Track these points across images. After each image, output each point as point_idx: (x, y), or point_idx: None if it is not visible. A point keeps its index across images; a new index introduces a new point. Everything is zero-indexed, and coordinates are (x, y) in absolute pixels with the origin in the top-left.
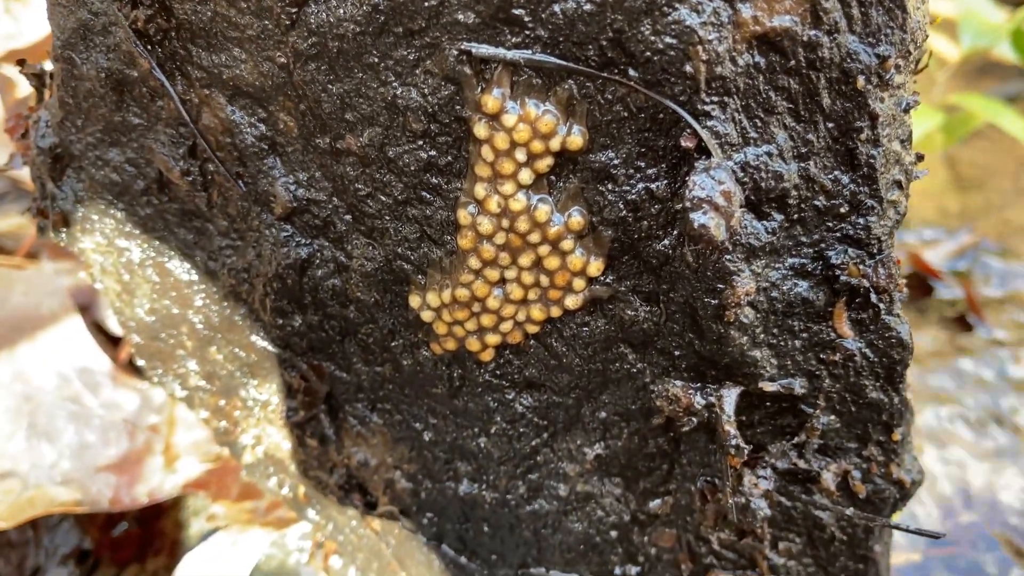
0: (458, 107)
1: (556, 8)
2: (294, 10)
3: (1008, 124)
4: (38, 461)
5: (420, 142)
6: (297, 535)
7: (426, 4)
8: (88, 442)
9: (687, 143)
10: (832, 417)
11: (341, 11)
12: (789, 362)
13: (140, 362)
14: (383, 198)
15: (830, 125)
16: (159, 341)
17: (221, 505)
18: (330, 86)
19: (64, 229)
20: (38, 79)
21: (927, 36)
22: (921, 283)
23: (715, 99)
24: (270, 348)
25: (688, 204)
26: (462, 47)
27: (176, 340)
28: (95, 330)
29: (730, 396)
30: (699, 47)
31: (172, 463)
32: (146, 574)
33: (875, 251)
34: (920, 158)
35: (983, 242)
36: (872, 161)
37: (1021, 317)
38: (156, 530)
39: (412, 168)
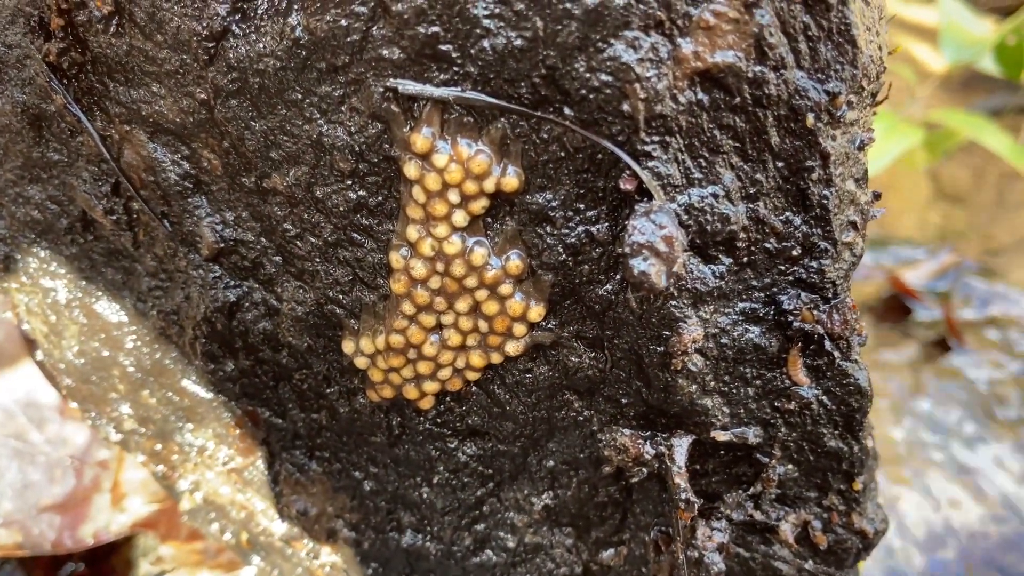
0: (387, 146)
1: (486, 44)
2: (212, 44)
3: (990, 140)
4: None
5: (348, 182)
6: None
7: (348, 39)
8: (32, 480)
9: (627, 185)
10: (790, 466)
11: (261, 45)
12: (742, 410)
13: (73, 404)
14: (312, 239)
15: (780, 164)
16: (90, 384)
17: (169, 546)
18: (253, 123)
19: None
20: None
21: (883, 69)
22: (900, 304)
23: (656, 138)
24: (203, 393)
25: (627, 250)
26: (388, 84)
27: (108, 383)
28: (42, 367)
29: (681, 446)
30: (636, 84)
31: (120, 502)
32: None
33: (830, 295)
34: (877, 197)
35: (965, 262)
36: (825, 202)
37: (1001, 339)
38: (105, 570)
39: (341, 209)
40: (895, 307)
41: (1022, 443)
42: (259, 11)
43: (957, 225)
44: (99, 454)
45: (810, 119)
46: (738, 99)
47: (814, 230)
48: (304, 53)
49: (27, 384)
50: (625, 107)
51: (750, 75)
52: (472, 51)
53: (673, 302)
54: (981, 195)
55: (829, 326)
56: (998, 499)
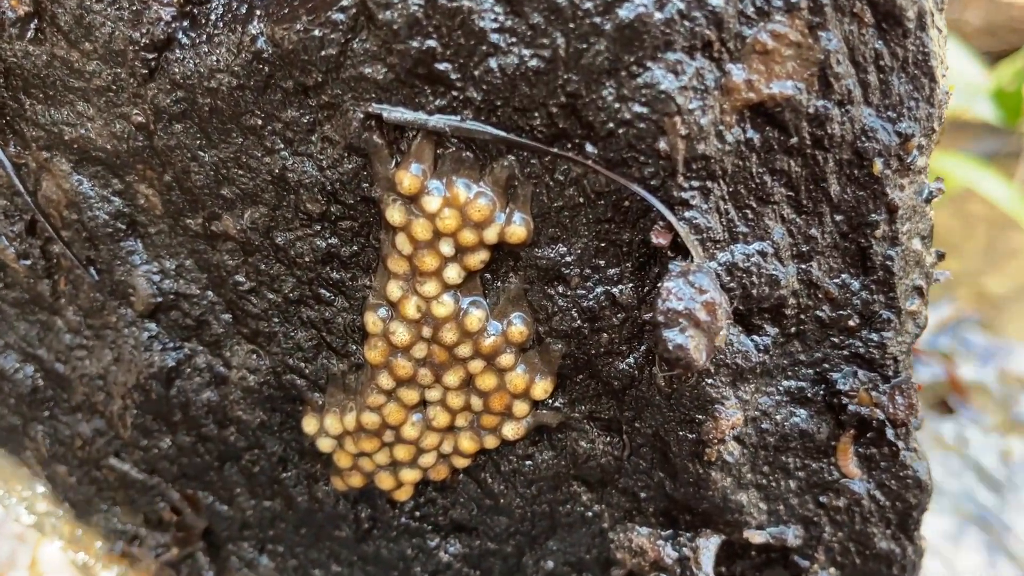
0: (366, 185)
1: (493, 64)
2: (153, 56)
3: (987, 187)
4: None
5: (317, 227)
6: None
7: (323, 54)
8: None
9: (659, 239)
10: (832, 570)
11: (213, 59)
12: (782, 507)
13: None
14: (270, 295)
15: (838, 218)
16: None
17: None
18: (202, 153)
19: None
20: None
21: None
22: None
23: (696, 184)
24: (133, 473)
25: (661, 318)
26: (370, 109)
27: (19, 457)
28: None
29: (708, 548)
30: (677, 118)
31: None
32: None
33: (890, 373)
34: (941, 257)
35: (964, 315)
36: (889, 264)
37: (1006, 399)
38: None
39: (307, 259)
40: None
41: None
42: (212, 17)
43: (950, 273)
44: (14, 527)
45: (878, 165)
46: (795, 139)
47: (875, 296)
48: (267, 69)
49: None
50: (661, 145)
51: (811, 111)
52: (476, 72)
53: (709, 380)
54: (971, 245)
55: (891, 410)
56: None
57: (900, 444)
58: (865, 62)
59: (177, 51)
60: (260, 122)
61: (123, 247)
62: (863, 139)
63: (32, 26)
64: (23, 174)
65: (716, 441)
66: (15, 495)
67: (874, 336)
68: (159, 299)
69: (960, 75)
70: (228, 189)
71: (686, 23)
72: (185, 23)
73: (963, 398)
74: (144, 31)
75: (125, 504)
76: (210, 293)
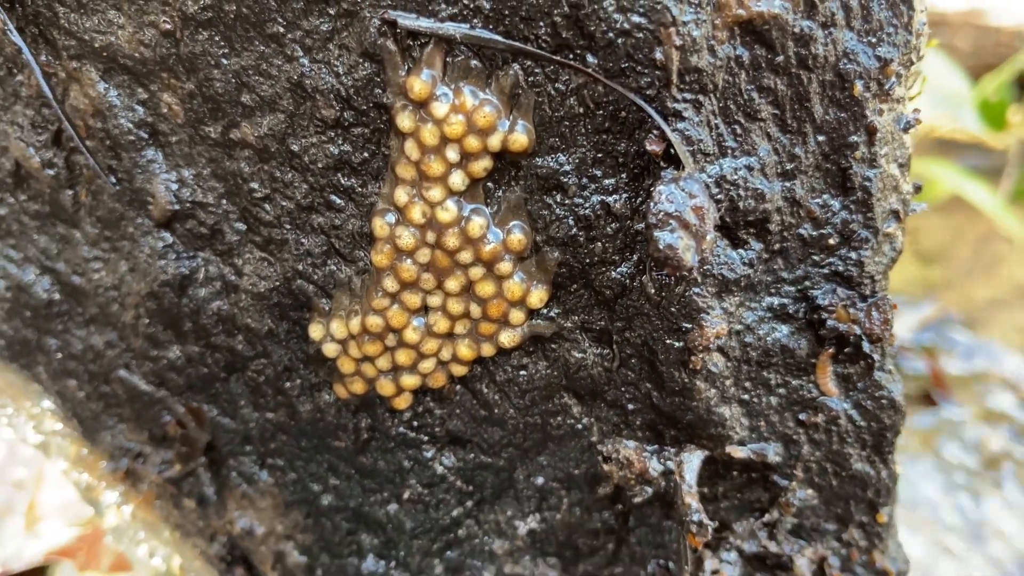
0: (378, 91)
1: None
2: None
3: (973, 194)
4: None
5: (331, 133)
6: None
7: None
8: None
9: (653, 147)
10: (809, 491)
11: None
12: (763, 423)
13: None
14: (283, 202)
15: (821, 138)
16: (9, 372)
17: None
18: (224, 60)
19: None
20: None
21: (922, 56)
22: None
23: (688, 96)
24: (141, 385)
25: (652, 219)
26: (385, 16)
27: (30, 372)
28: None
29: (692, 461)
30: (672, 29)
31: (35, 525)
32: None
33: (868, 292)
34: (918, 189)
35: (948, 315)
36: (867, 184)
37: (987, 395)
38: None
39: (320, 165)
40: None
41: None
42: None
43: (934, 281)
44: (15, 472)
45: (858, 87)
46: (781, 57)
47: (854, 216)
48: None
49: None
50: (658, 55)
51: (796, 30)
52: None
53: (696, 289)
54: (958, 253)
55: (868, 326)
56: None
57: (876, 359)
58: None
59: None
60: (282, 30)
61: (144, 156)
62: (845, 61)
63: None
64: (53, 84)
65: (701, 349)
66: (24, 412)
67: (852, 255)
68: (176, 207)
69: (946, 88)
70: (248, 96)
71: None
72: None
73: (945, 392)
74: None
75: (131, 420)
76: (225, 202)
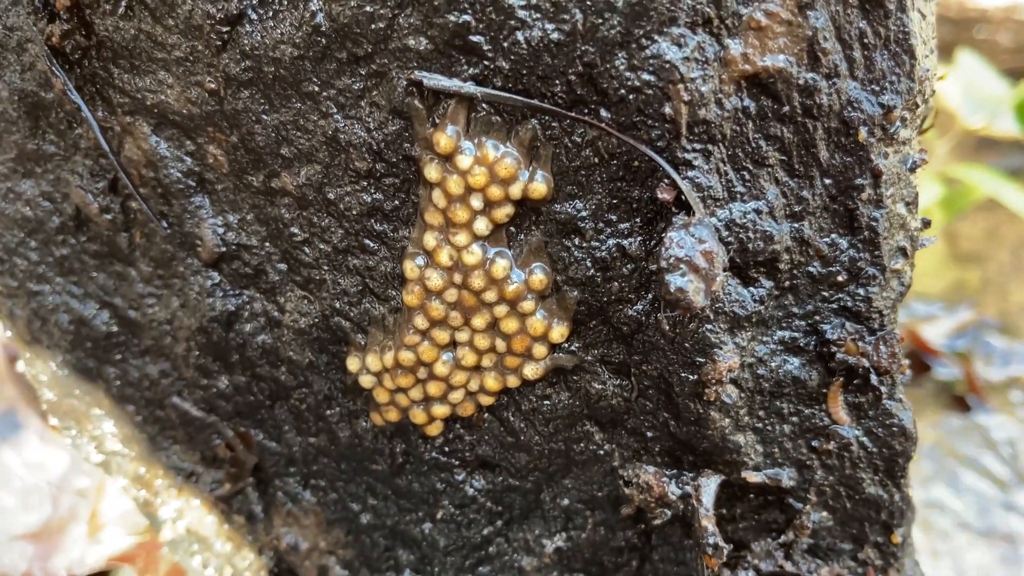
0: (407, 145)
1: (520, 36)
2: (226, 29)
3: (1010, 198)
4: None
5: (364, 183)
6: None
7: (372, 27)
8: (5, 506)
9: (664, 195)
10: (824, 514)
11: (278, 32)
12: (776, 449)
13: (54, 421)
14: (321, 245)
15: (827, 182)
16: (73, 398)
17: None
18: (264, 116)
19: None
20: None
21: (934, 91)
22: (918, 361)
23: (698, 146)
24: (193, 412)
25: (664, 264)
26: (412, 77)
27: (92, 397)
28: (22, 382)
29: (709, 486)
30: (680, 86)
31: (97, 533)
32: None
33: (876, 326)
34: (927, 224)
35: (984, 319)
36: (874, 224)
37: (1022, 401)
38: None
39: (354, 212)
40: (914, 364)
41: None
42: None
43: (972, 284)
44: (78, 482)
45: (863, 133)
46: (787, 108)
47: (862, 254)
48: (324, 42)
49: (6, 404)
50: (667, 110)
51: (801, 82)
52: (505, 44)
53: (709, 326)
54: (996, 256)
55: (875, 359)
56: None
57: (884, 391)
58: (850, 39)
59: (247, 25)
60: (317, 88)
61: (192, 202)
62: (849, 109)
63: (123, 3)
64: (108, 137)
65: (715, 382)
66: (87, 434)
67: (861, 291)
68: (223, 249)
69: (983, 91)
70: (287, 149)
71: (689, 1)
72: (255, 1)
73: (980, 397)
74: (219, 7)
75: (184, 442)
76: (268, 244)
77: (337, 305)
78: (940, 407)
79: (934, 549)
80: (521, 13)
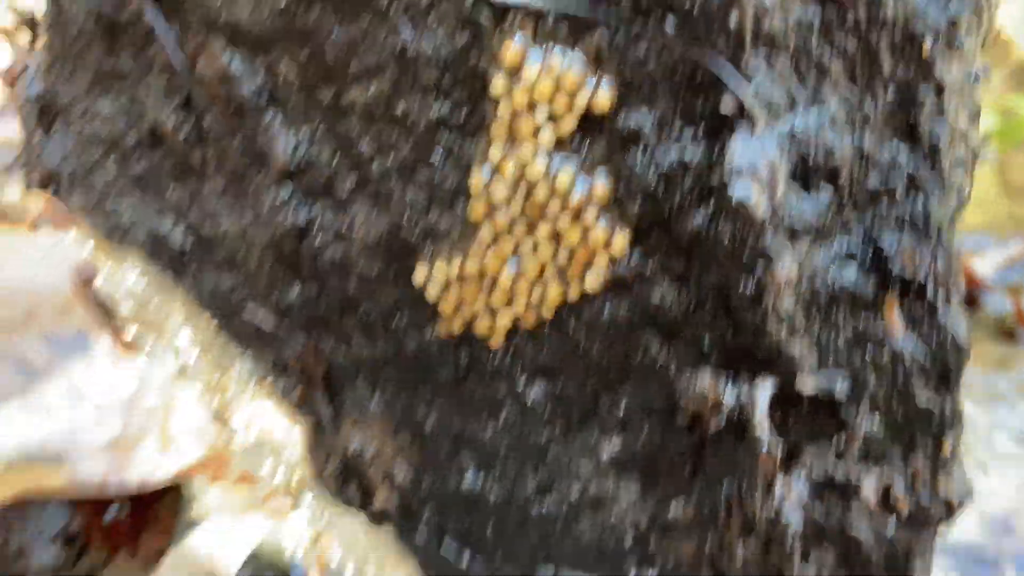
0: (474, 58)
1: None
2: None
3: None
4: (24, 440)
5: (431, 97)
6: (295, 524)
7: None
8: (79, 423)
9: (727, 106)
10: (876, 423)
11: None
12: (831, 360)
13: (132, 330)
14: (389, 159)
15: (890, 94)
16: (150, 309)
17: (218, 490)
18: (335, 32)
19: (51, 187)
20: (30, 23)
21: (999, 2)
22: (968, 294)
23: (761, 58)
24: (266, 322)
25: (726, 175)
26: None
27: (168, 308)
28: (94, 304)
29: (764, 392)
30: None
31: (168, 446)
32: (138, 558)
33: (934, 239)
34: (987, 139)
35: None
36: (936, 137)
37: None
38: (150, 514)
39: (422, 126)
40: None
41: None
42: None
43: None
44: (149, 400)
45: (927, 44)
46: (851, 18)
47: (921, 167)
48: None
49: (78, 326)
50: (732, 20)
51: None
52: None
53: (768, 237)
54: None
55: (932, 272)
56: None
57: (939, 304)
58: None
59: None
60: (386, 3)
61: (264, 118)
62: (914, 19)
63: None
64: (182, 55)
65: (773, 292)
66: (163, 343)
67: (919, 204)
68: (294, 164)
69: None
70: (356, 64)
71: None
72: None
73: None
74: None
75: (256, 352)
76: (337, 159)
77: (405, 218)
78: (990, 340)
79: (983, 462)
80: None
